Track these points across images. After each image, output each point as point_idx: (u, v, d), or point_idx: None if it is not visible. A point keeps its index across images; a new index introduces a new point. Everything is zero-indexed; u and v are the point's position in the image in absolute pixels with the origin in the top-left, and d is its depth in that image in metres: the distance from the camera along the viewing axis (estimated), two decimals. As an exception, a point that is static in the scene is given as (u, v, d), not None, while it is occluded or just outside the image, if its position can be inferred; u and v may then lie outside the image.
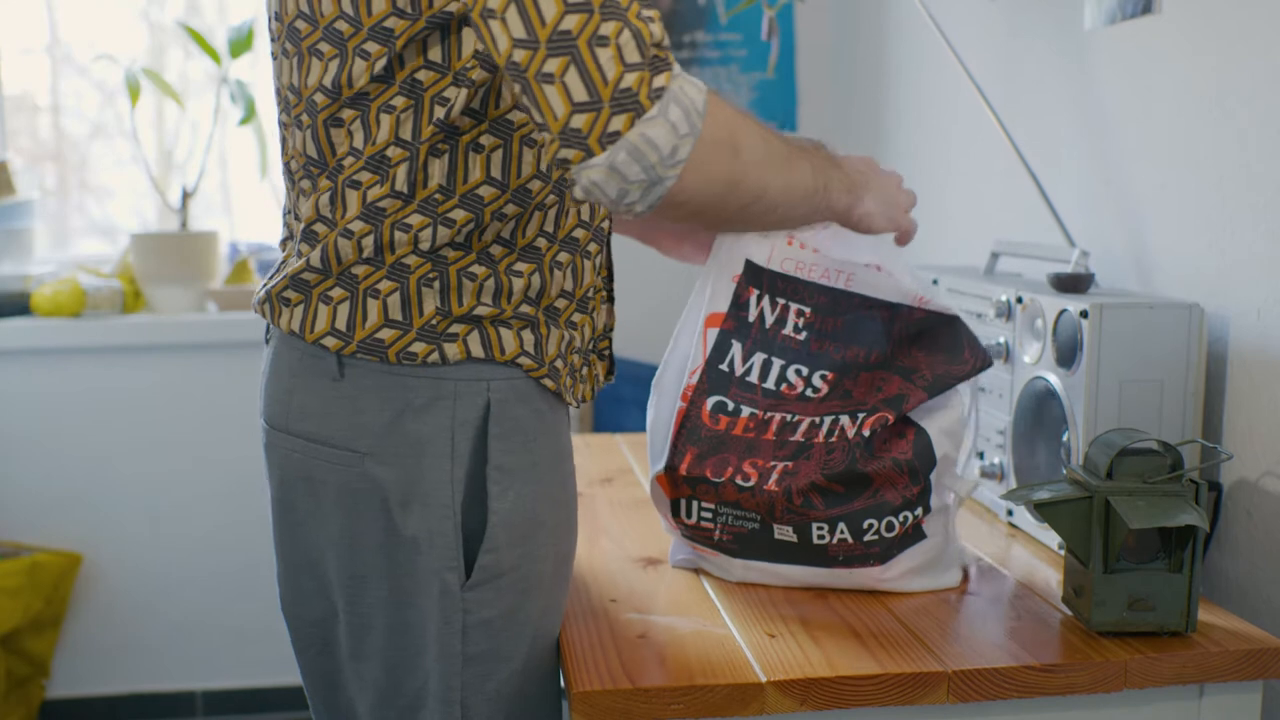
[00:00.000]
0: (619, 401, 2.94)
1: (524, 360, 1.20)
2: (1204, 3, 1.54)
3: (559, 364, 1.24)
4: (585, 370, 1.32)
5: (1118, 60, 1.73)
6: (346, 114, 1.15)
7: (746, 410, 1.44)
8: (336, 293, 1.18)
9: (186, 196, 3.03)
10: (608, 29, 0.99)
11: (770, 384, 1.45)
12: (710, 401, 1.45)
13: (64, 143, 3.27)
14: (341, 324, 1.17)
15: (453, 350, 1.17)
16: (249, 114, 3.01)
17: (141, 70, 2.99)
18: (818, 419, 1.42)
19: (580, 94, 0.99)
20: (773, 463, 1.41)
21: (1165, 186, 1.63)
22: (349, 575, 1.23)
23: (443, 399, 1.17)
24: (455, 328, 1.17)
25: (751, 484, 1.41)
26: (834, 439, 1.40)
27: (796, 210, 1.19)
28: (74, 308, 2.92)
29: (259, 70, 3.14)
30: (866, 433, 1.38)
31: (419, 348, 1.16)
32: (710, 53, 3.10)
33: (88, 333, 2.92)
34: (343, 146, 1.17)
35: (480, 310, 1.18)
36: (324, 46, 1.14)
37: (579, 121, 1.00)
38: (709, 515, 1.43)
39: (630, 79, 0.99)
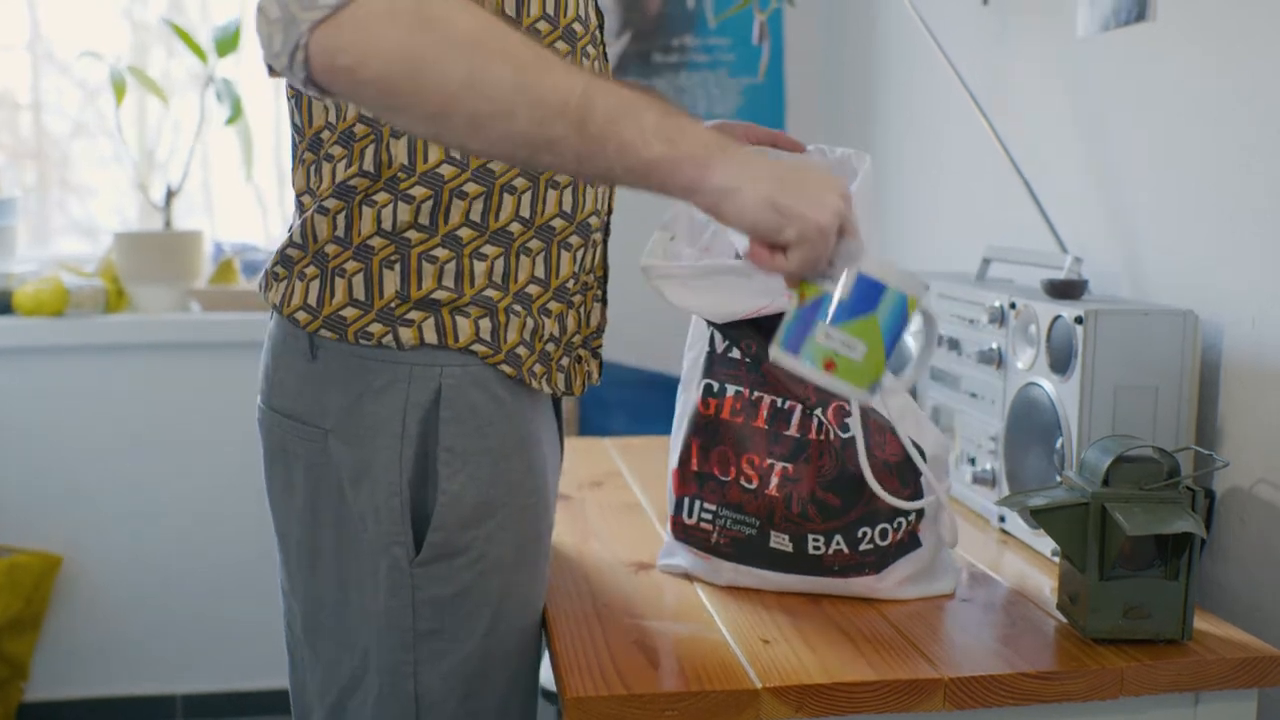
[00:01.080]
0: (605, 405, 2.93)
1: (478, 347, 1.22)
2: (1197, 10, 1.54)
3: (521, 350, 1.24)
4: (569, 363, 1.32)
5: (1111, 67, 1.73)
6: None
7: (732, 389, 1.43)
8: (311, 270, 1.22)
9: (171, 195, 3.01)
10: None
11: (750, 359, 1.43)
12: (702, 386, 1.45)
13: (45, 141, 3.24)
14: (312, 300, 1.22)
15: (407, 335, 1.20)
16: (236, 113, 2.99)
17: (127, 68, 2.97)
18: (808, 408, 1.40)
19: None
20: (769, 461, 1.40)
21: (1158, 193, 1.63)
22: (309, 549, 1.27)
23: (398, 381, 1.21)
24: (412, 313, 1.20)
25: (754, 486, 1.40)
26: (824, 437, 1.38)
27: (543, 131, 0.98)
28: (56, 307, 2.90)
29: (245, 69, 3.12)
30: (845, 431, 1.37)
31: (376, 329, 1.20)
32: (699, 57, 3.10)
33: (70, 332, 2.90)
34: (319, 119, 1.21)
35: (438, 295, 1.21)
36: None
37: None
38: (709, 517, 1.43)
39: None
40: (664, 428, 1.78)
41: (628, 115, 0.99)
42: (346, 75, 0.95)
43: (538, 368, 1.27)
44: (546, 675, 1.88)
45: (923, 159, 2.45)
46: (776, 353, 1.10)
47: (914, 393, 1.87)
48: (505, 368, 1.23)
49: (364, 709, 1.27)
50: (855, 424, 1.35)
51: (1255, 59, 1.44)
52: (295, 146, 1.28)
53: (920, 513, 1.39)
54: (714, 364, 1.44)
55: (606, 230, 1.36)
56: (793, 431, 1.40)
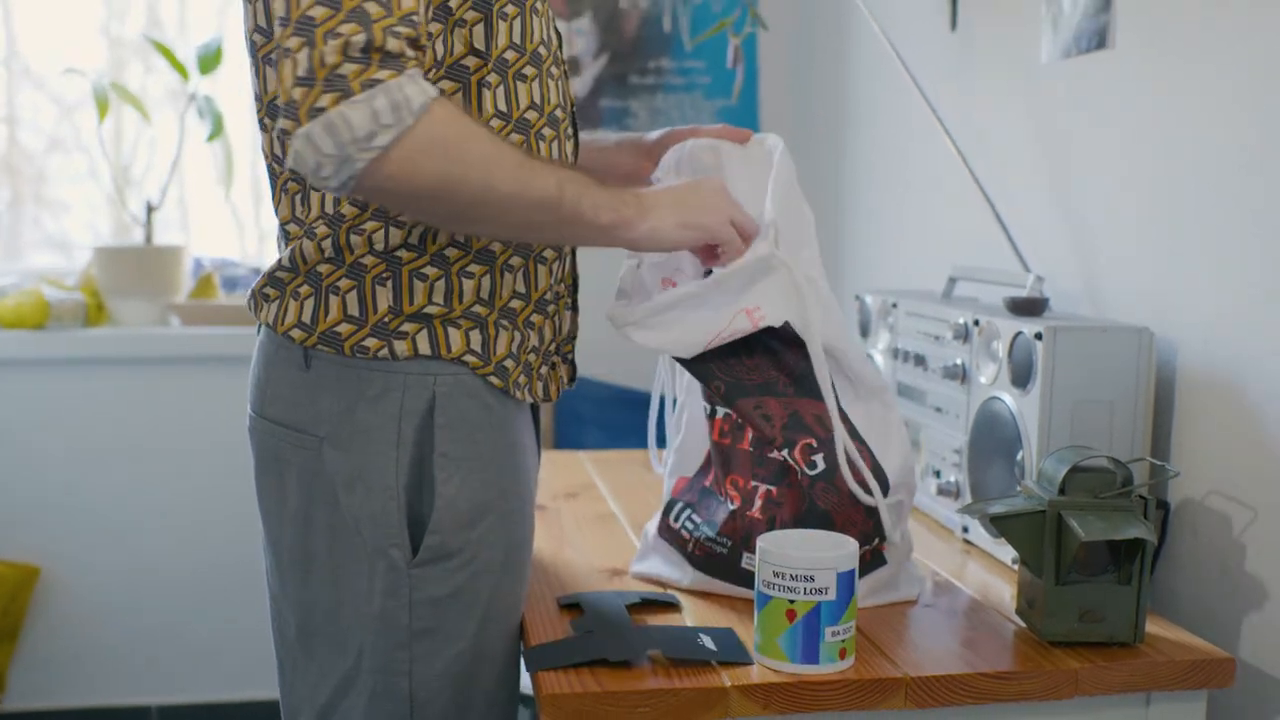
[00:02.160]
0: (579, 420, 2.97)
1: (470, 358, 1.28)
2: (1154, 40, 1.60)
3: (509, 363, 1.31)
4: (546, 370, 1.38)
5: (1072, 92, 1.79)
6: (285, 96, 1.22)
7: (721, 411, 1.49)
8: (304, 289, 1.28)
9: (151, 210, 3.04)
10: (345, 27, 1.08)
11: (721, 397, 1.46)
12: (703, 408, 1.52)
13: (19, 156, 3.26)
14: (307, 318, 1.27)
15: (401, 347, 1.26)
16: (216, 130, 3.03)
17: (110, 84, 3.00)
18: (775, 448, 1.43)
19: (304, 70, 1.08)
20: (754, 483, 1.45)
21: (1117, 214, 1.69)
22: (303, 554, 1.31)
23: (392, 390, 1.26)
24: (406, 326, 1.26)
25: (735, 507, 1.45)
26: (795, 476, 1.42)
27: (534, 218, 1.21)
28: (37, 320, 2.92)
29: (224, 86, 3.15)
30: (811, 469, 1.40)
31: (371, 342, 1.26)
32: (675, 79, 3.15)
33: (50, 345, 2.92)
34: None
35: (430, 309, 1.27)
36: (275, 56, 1.22)
37: (297, 94, 1.08)
38: (691, 528, 1.49)
39: (348, 68, 1.08)
40: (636, 442, 1.82)
41: (584, 197, 1.23)
42: (387, 195, 1.15)
43: (522, 379, 1.33)
44: (523, 679, 1.91)
45: (891, 179, 2.50)
46: (796, 667, 1.24)
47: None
48: (494, 379, 1.29)
49: (356, 709, 1.30)
50: (821, 461, 1.39)
51: (1208, 87, 1.50)
52: (275, 176, 1.32)
53: (883, 535, 1.43)
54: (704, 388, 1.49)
55: None
56: (777, 454, 1.43)
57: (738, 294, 1.36)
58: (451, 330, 1.28)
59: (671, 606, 1.43)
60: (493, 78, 1.26)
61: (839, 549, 1.25)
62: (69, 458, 2.99)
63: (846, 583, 1.23)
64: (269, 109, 1.28)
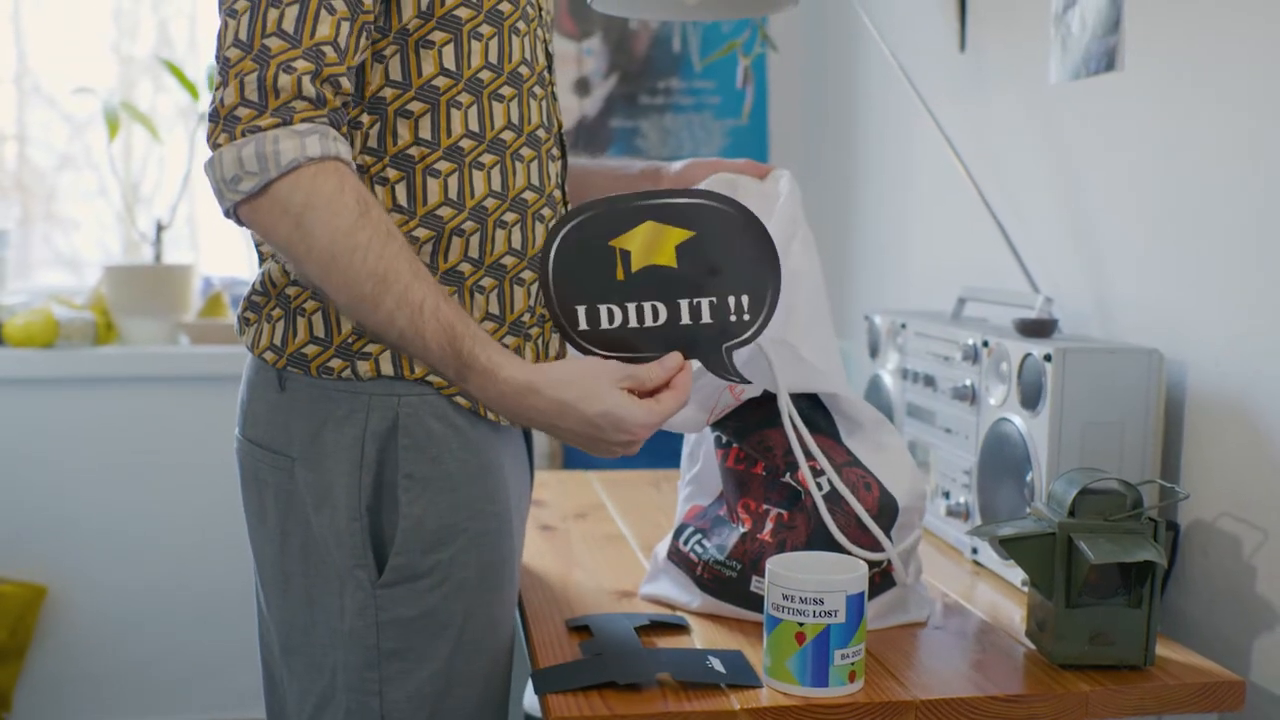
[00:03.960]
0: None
1: (434, 378, 1.27)
2: (1163, 62, 1.61)
3: None
4: None
5: (1081, 114, 1.79)
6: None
7: (733, 442, 1.50)
8: (276, 312, 1.30)
9: (161, 229, 3.05)
10: (245, 65, 1.13)
11: (730, 436, 1.51)
12: (714, 438, 1.54)
13: (30, 174, 3.28)
14: (278, 340, 1.29)
15: (364, 367, 1.27)
16: (226, 149, 3.03)
17: (120, 103, 3.01)
18: (779, 475, 1.46)
19: (211, 108, 1.16)
20: (766, 506, 1.46)
21: (1127, 236, 1.69)
22: (281, 572, 1.33)
23: (358, 411, 1.27)
24: (370, 347, 1.27)
25: (746, 530, 1.46)
26: (804, 499, 1.44)
27: (381, 334, 1.18)
28: (47, 338, 2.93)
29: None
30: (820, 490, 1.42)
31: (336, 363, 1.27)
32: (685, 99, 3.16)
33: (60, 363, 2.92)
34: None
35: None
36: None
37: (207, 128, 1.16)
38: (700, 550, 1.49)
39: (242, 111, 1.13)
40: (644, 462, 1.82)
41: (423, 357, 1.19)
42: (259, 238, 1.24)
43: None
44: (531, 701, 1.91)
45: (901, 200, 2.51)
46: (805, 690, 1.23)
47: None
48: (460, 399, 1.28)
49: None
50: (828, 484, 1.41)
51: (1217, 109, 1.50)
52: None
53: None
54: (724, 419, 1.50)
55: None
56: (789, 480, 1.45)
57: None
58: None
59: (681, 628, 1.43)
60: (464, 97, 1.26)
61: (849, 572, 1.25)
62: (77, 476, 2.99)
63: (856, 605, 1.23)
64: None
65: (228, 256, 3.36)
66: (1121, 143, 1.70)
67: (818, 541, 1.41)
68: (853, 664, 1.24)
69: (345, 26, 1.16)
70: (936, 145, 2.21)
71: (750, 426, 1.47)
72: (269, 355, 1.29)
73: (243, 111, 1.12)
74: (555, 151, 1.38)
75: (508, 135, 1.29)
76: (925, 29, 2.31)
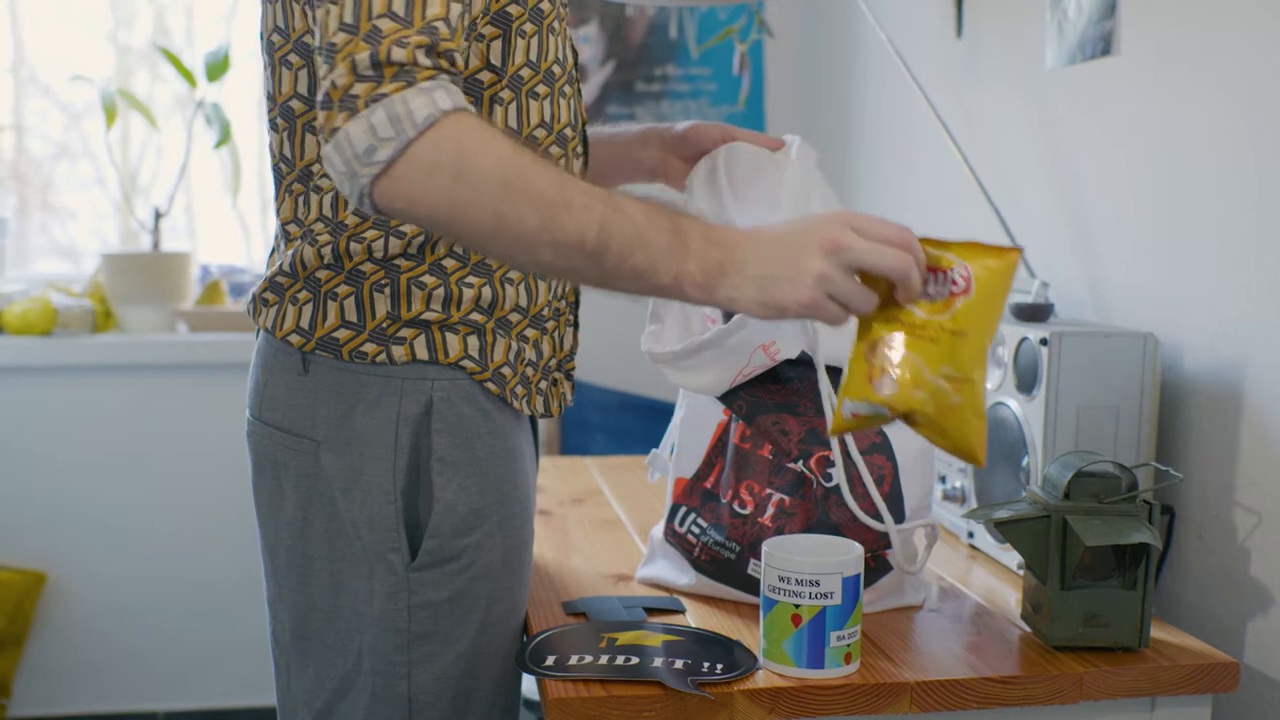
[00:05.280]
0: (586, 427, 2.97)
1: (467, 363, 1.27)
2: (1159, 47, 1.61)
3: (506, 371, 1.30)
4: (547, 386, 1.38)
5: (1077, 99, 1.80)
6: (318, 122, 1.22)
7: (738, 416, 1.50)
8: (303, 295, 1.28)
9: (159, 217, 3.05)
10: (355, 47, 1.07)
11: (742, 416, 1.49)
12: (720, 407, 1.51)
13: (27, 163, 3.28)
14: (305, 323, 1.28)
15: (399, 352, 1.26)
16: (224, 137, 3.04)
17: (118, 91, 3.01)
18: (791, 460, 1.45)
19: (322, 96, 1.08)
20: (768, 490, 1.45)
21: (1122, 220, 1.69)
22: (301, 555, 1.31)
23: (390, 395, 1.26)
24: (404, 331, 1.26)
25: (747, 512, 1.46)
26: (811, 486, 1.44)
27: (569, 263, 1.10)
28: (45, 326, 2.93)
29: (231, 93, 3.16)
30: (828, 480, 1.42)
31: (369, 348, 1.26)
32: (681, 86, 3.16)
33: (58, 351, 2.93)
34: (311, 153, 1.28)
35: (428, 315, 1.26)
36: (293, 58, 1.26)
37: (321, 118, 1.08)
38: (697, 532, 1.49)
39: (359, 88, 1.06)
40: (642, 448, 1.83)
41: (639, 246, 1.09)
42: (404, 214, 1.09)
43: (519, 389, 1.32)
44: (529, 684, 1.91)
45: (896, 185, 2.51)
46: (801, 672, 1.23)
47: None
48: (491, 385, 1.29)
49: (355, 711, 1.31)
50: (839, 475, 1.40)
51: (1213, 93, 1.51)
52: (282, 176, 1.33)
53: (889, 543, 1.44)
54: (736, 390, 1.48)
55: None
56: (795, 465, 1.45)
57: (755, 333, 1.38)
58: (449, 335, 1.27)
59: (676, 612, 1.44)
60: (506, 94, 1.26)
61: (845, 554, 1.25)
62: (76, 464, 3.00)
63: (852, 587, 1.23)
64: (282, 110, 1.29)
65: (225, 245, 3.36)
66: (1117, 128, 1.70)
67: (819, 530, 1.41)
68: (849, 646, 1.24)
69: (455, 7, 1.12)
70: (932, 131, 2.21)
71: (768, 408, 1.45)
72: (295, 338, 1.28)
73: (360, 87, 1.06)
74: (579, 149, 1.38)
75: (540, 133, 1.29)
76: (921, 15, 2.31)
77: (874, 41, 2.57)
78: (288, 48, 1.26)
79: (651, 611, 1.43)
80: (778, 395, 1.45)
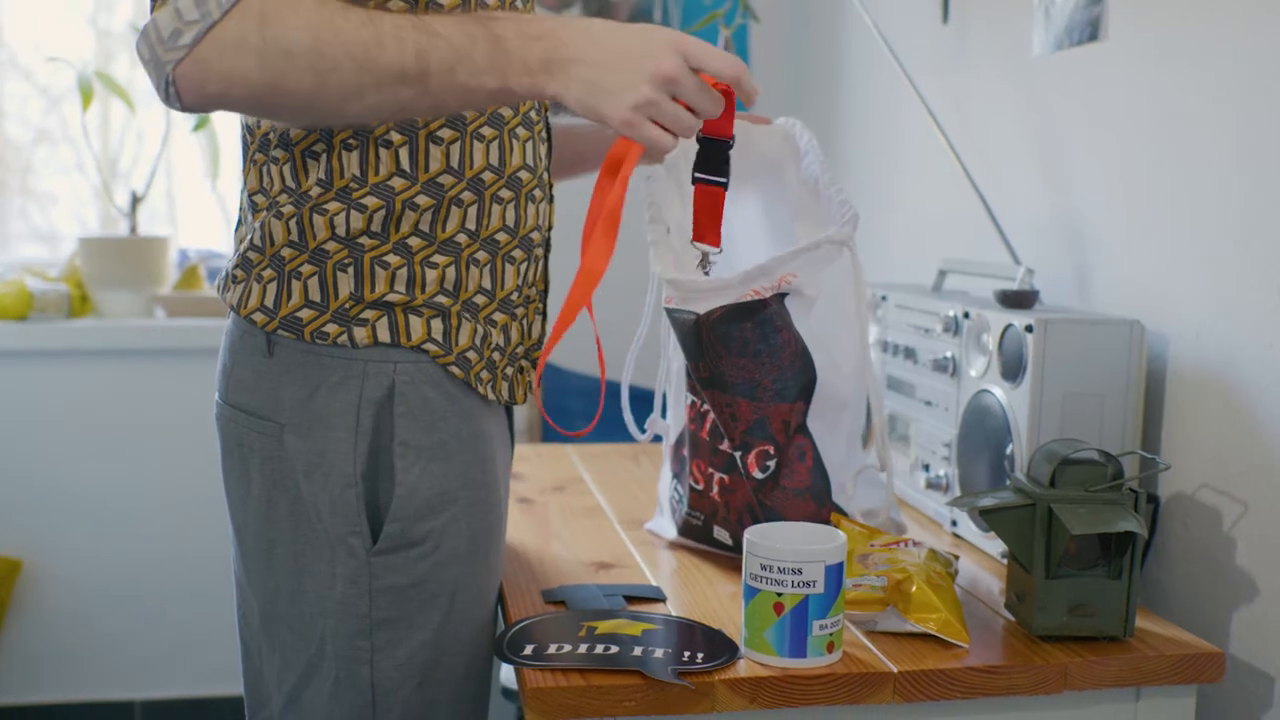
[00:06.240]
0: (567, 414, 2.95)
1: (430, 346, 1.27)
2: (1148, 32, 1.59)
3: (471, 355, 1.29)
4: (513, 372, 1.37)
5: (1065, 85, 1.78)
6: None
7: (690, 398, 1.56)
8: (268, 273, 1.27)
9: (136, 201, 3.02)
10: None
11: (701, 380, 1.51)
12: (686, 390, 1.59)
13: (6, 147, 3.24)
14: (270, 301, 1.26)
15: (361, 334, 1.25)
16: (203, 120, 3.01)
17: (95, 74, 2.98)
18: (733, 448, 1.50)
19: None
20: (710, 469, 1.52)
21: (1109, 208, 1.68)
22: (266, 539, 1.30)
23: (352, 377, 1.25)
24: (366, 313, 1.25)
25: (700, 488, 1.54)
26: (740, 476, 1.49)
27: (396, 97, 1.11)
28: (20, 311, 2.90)
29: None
30: (763, 472, 1.47)
31: (331, 329, 1.25)
32: (665, 71, 3.14)
33: (34, 336, 2.90)
34: (265, 122, 1.27)
35: (392, 297, 1.26)
36: None
37: (147, 23, 1.08)
38: (676, 499, 1.60)
39: None
40: (624, 435, 1.81)
41: (458, 62, 1.10)
42: (218, 100, 1.10)
43: (484, 374, 1.31)
44: (507, 673, 1.90)
45: (882, 172, 2.49)
46: (784, 661, 1.22)
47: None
48: (455, 369, 1.28)
49: (320, 696, 1.29)
50: (772, 465, 1.46)
51: (1201, 79, 1.49)
52: (246, 146, 1.32)
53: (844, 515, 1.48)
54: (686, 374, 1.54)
55: (547, 246, 1.42)
56: (726, 447, 1.50)
57: (788, 262, 1.41)
58: (413, 318, 1.26)
59: (657, 601, 1.42)
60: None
61: (828, 542, 1.24)
62: (51, 450, 2.97)
63: (835, 576, 1.22)
64: None
65: (204, 229, 3.33)
66: (1105, 113, 1.68)
67: (760, 509, 1.49)
68: (831, 634, 1.23)
69: None
70: (919, 117, 2.19)
71: (726, 385, 1.46)
72: (259, 316, 1.26)
73: None
74: (544, 133, 1.38)
75: (505, 112, 1.29)
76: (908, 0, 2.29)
77: (860, 26, 2.55)
78: None
79: (632, 600, 1.41)
80: (741, 373, 1.45)
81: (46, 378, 2.95)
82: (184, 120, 3.05)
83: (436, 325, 1.27)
